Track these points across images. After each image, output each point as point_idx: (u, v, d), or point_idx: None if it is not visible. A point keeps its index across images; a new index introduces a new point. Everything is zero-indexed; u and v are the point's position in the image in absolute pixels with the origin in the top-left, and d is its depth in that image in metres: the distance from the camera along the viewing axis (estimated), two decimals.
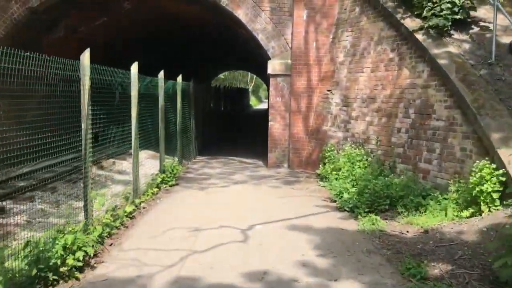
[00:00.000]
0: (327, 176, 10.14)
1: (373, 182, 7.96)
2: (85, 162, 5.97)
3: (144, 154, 14.74)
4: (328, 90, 11.79)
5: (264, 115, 31.30)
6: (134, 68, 7.96)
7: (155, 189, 9.27)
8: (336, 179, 9.70)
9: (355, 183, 8.77)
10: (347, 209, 7.85)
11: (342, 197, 8.32)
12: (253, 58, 19.24)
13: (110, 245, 6.26)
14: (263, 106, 52.86)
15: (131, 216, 7.47)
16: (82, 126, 5.91)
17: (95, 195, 6.08)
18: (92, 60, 5.98)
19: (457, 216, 6.82)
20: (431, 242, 6.00)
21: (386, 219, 7.37)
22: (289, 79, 12.24)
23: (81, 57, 5.85)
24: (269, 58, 12.35)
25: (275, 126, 12.50)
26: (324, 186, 9.89)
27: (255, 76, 54.96)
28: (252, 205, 8.47)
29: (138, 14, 15.07)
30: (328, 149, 10.83)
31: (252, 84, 61.02)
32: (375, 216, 7.25)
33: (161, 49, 19.39)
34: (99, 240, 6.01)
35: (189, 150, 14.07)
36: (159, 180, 9.61)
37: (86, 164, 5.98)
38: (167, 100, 11.06)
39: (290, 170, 12.19)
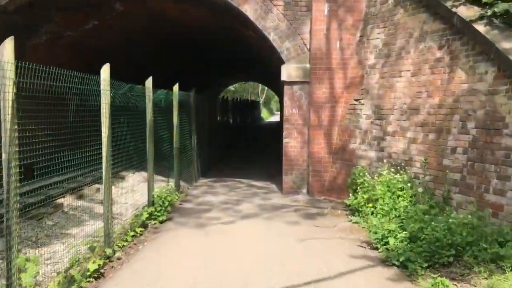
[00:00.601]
0: (360, 208, 7.97)
1: (431, 224, 5.77)
2: (8, 210, 3.90)
3: (137, 177, 12.74)
4: (356, 100, 9.66)
5: (276, 128, 29.35)
6: (105, 72, 5.92)
7: (139, 229, 7.18)
8: (373, 213, 7.54)
9: (400, 222, 6.58)
10: (396, 263, 5.65)
11: (386, 243, 6.14)
12: (263, 66, 17.24)
13: None
14: (275, 118, 51.08)
15: (96, 275, 5.38)
16: (3, 156, 3.85)
17: (23, 262, 3.99)
18: (83, 68, 3.98)
19: None
20: None
21: (454, 279, 5.19)
22: (308, 87, 10.14)
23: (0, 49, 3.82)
24: (283, 63, 10.28)
25: (291, 144, 10.37)
26: (357, 223, 7.71)
27: (266, 88, 53.20)
28: (265, 253, 6.31)
29: (133, 17, 13.14)
30: (359, 172, 8.66)
31: (264, 96, 59.20)
32: (440, 277, 5.04)
33: (163, 56, 17.45)
34: None
35: (189, 172, 12.01)
36: (145, 216, 7.51)
37: (10, 214, 3.91)
38: (159, 114, 9.04)
39: (310, 197, 10.03)
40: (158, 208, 8.01)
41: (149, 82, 8.01)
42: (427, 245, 5.57)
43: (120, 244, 6.39)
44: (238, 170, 14.82)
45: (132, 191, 11.12)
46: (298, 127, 10.30)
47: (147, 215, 7.57)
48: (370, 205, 7.59)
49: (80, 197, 9.54)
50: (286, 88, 10.29)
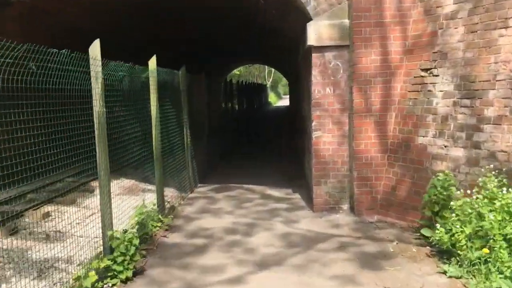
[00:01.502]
0: (459, 250, 4.71)
1: None
2: None
3: (114, 187, 9.59)
4: (425, 70, 6.34)
5: (286, 114, 26.04)
6: None
7: None
8: (488, 261, 4.31)
9: None
10: None
11: None
12: (271, 38, 13.91)
13: None
14: (283, 103, 47.91)
15: None
16: None
17: None
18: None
19: None
20: None
21: None
22: (347, 53, 6.85)
23: None
24: (309, 20, 6.98)
25: (324, 139, 7.12)
26: (458, 278, 4.46)
27: (273, 71, 49.99)
28: None
29: None
30: (443, 184, 5.38)
31: (271, 79, 56.01)
32: None
33: (156, 34, 14.10)
34: None
35: (181, 180, 8.83)
36: (91, 280, 4.32)
37: None
38: (120, 100, 5.85)
39: (356, 217, 6.80)
40: (119, 258, 4.81)
41: (95, 48, 4.75)
42: None
43: None
44: (247, 170, 11.73)
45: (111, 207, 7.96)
46: (334, 115, 7.03)
47: (96, 278, 4.37)
48: (485, 250, 4.32)
49: (13, 231, 6.36)
50: (315, 57, 6.98)
